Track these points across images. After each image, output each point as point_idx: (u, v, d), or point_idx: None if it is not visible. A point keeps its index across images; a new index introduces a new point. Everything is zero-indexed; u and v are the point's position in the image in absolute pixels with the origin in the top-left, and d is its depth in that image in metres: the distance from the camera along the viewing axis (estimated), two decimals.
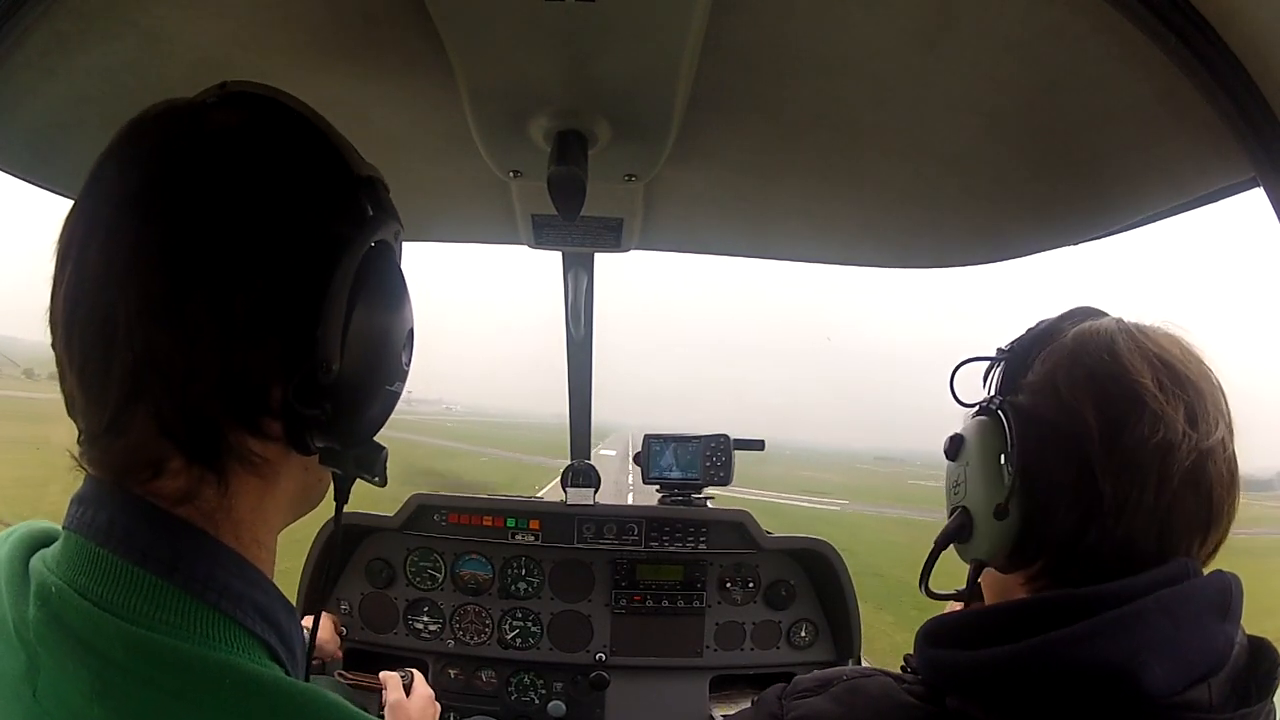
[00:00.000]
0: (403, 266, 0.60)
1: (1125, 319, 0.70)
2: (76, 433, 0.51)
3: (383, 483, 0.60)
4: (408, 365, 0.60)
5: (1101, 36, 0.78)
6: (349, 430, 0.55)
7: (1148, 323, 0.69)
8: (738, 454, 2.00)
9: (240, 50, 0.92)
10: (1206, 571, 0.64)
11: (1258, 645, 0.62)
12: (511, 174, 1.18)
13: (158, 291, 0.47)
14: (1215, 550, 0.65)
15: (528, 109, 0.99)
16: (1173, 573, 0.61)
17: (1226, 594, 0.62)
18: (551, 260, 1.81)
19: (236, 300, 0.48)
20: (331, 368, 0.51)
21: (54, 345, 0.50)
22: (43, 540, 0.52)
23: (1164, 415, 0.62)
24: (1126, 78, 0.83)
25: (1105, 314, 0.72)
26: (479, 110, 1.00)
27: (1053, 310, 0.75)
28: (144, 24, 0.85)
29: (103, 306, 0.47)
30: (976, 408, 0.73)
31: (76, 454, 0.51)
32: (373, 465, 0.58)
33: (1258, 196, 0.78)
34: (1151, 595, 0.59)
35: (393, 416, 0.59)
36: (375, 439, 0.58)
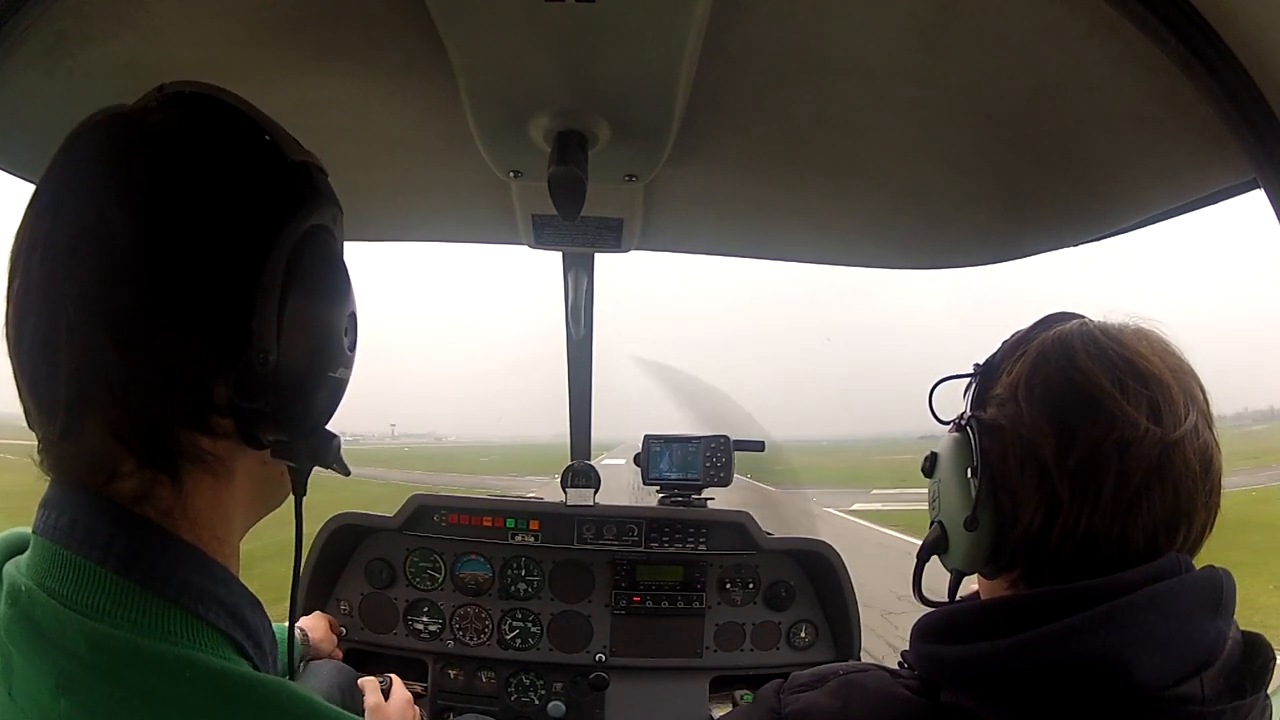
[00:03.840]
0: (343, 253, 0.59)
1: (1091, 321, 0.70)
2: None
3: (343, 471, 0.60)
4: (352, 350, 0.59)
5: (1101, 36, 0.78)
6: (296, 421, 0.54)
7: (1116, 321, 0.69)
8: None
9: (240, 50, 0.92)
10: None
11: (1252, 641, 0.63)
12: (512, 174, 1.18)
13: (94, 301, 0.47)
14: (1199, 544, 0.65)
15: (528, 109, 0.99)
16: (1163, 568, 0.61)
17: (1218, 589, 0.62)
18: (552, 260, 1.82)
19: (171, 303, 0.48)
20: (268, 359, 0.50)
21: (9, 356, 0.50)
22: (19, 547, 0.53)
23: (1122, 414, 0.62)
24: (1126, 78, 0.83)
25: (1077, 317, 0.72)
26: (479, 110, 1.00)
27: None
28: (144, 24, 0.85)
29: (45, 319, 0.48)
30: (951, 424, 0.75)
31: (37, 460, 0.51)
32: (325, 455, 0.57)
33: (1258, 198, 0.78)
34: (1141, 590, 0.59)
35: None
36: (327, 428, 0.58)
